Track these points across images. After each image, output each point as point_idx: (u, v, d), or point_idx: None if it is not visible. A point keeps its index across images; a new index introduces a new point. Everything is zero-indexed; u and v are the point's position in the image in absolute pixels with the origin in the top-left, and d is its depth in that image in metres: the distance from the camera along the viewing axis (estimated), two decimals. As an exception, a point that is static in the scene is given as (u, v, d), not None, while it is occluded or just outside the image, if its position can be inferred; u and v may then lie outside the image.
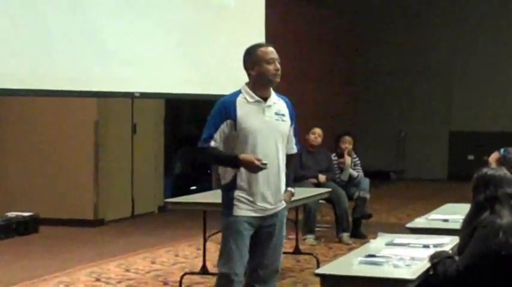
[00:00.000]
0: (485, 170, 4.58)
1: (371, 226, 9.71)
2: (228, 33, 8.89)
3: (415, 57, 17.51)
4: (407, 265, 4.26)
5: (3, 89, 6.30)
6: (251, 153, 4.76)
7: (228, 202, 4.86)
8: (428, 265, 4.35)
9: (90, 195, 10.64)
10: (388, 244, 4.86)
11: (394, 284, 4.10)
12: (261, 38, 8.76)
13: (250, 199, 4.83)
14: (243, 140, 4.80)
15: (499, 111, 16.98)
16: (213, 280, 7.15)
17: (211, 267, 7.38)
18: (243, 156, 4.74)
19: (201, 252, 7.53)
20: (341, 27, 16.91)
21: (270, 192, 4.87)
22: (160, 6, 7.88)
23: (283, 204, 5.00)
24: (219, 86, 8.50)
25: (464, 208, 4.70)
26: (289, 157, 5.02)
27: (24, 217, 9.96)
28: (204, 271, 7.22)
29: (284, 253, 5.17)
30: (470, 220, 4.46)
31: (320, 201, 9.20)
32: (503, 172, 4.55)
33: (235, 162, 4.76)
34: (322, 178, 9.47)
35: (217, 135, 4.80)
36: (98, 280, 7.38)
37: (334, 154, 9.87)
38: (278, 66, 4.89)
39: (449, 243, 4.84)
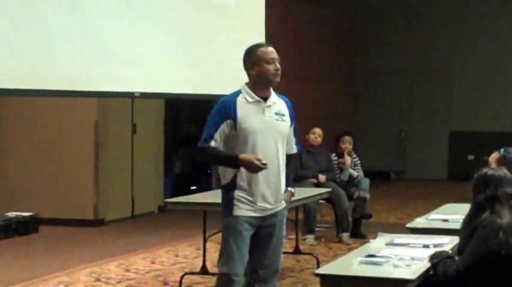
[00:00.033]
0: (485, 170, 4.58)
1: (371, 226, 9.71)
2: (228, 33, 8.89)
3: (415, 57, 17.52)
4: (407, 265, 4.26)
5: (3, 89, 6.30)
6: (251, 153, 4.76)
7: (228, 202, 4.86)
8: (428, 265, 4.35)
9: (90, 195, 10.64)
10: (388, 244, 4.86)
11: (394, 284, 4.10)
12: (261, 38, 8.76)
13: (250, 198, 4.83)
14: (243, 140, 4.80)
15: (499, 111, 16.98)
16: (213, 280, 7.15)
17: (211, 267, 7.38)
18: (243, 156, 4.73)
19: (201, 252, 7.52)
20: (341, 27, 16.91)
21: (270, 192, 4.87)
22: (160, 6, 7.88)
23: (283, 204, 5.00)
24: (219, 86, 8.49)
25: (464, 208, 4.70)
26: (289, 157, 5.02)
27: (24, 217, 9.96)
28: (204, 271, 7.22)
29: (284, 253, 5.17)
30: (470, 220, 4.46)
31: (320, 201, 9.20)
32: (503, 171, 4.55)
33: (235, 162, 4.76)
34: (322, 178, 9.47)
35: (217, 135, 4.80)
36: (98, 280, 7.38)
37: (334, 154, 9.87)
38: (278, 66, 4.89)
39: (449, 243, 4.84)
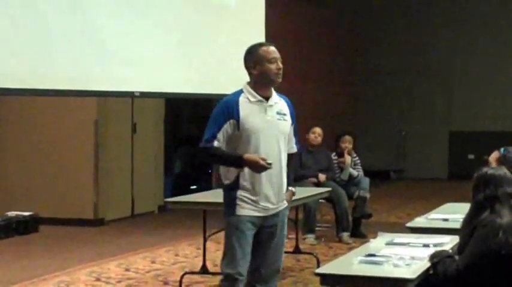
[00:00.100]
0: (485, 169, 4.58)
1: (371, 225, 9.71)
2: (228, 33, 8.89)
3: (415, 57, 17.52)
4: (407, 265, 4.26)
5: (3, 89, 6.30)
6: (254, 153, 4.76)
7: (231, 201, 4.86)
8: (428, 264, 4.35)
9: (90, 195, 10.64)
10: (388, 244, 4.87)
11: (394, 283, 4.10)
12: (261, 38, 8.75)
13: (253, 198, 4.83)
14: (245, 140, 4.80)
15: (499, 111, 16.98)
16: (213, 279, 7.18)
17: (211, 266, 7.39)
18: (247, 156, 4.73)
19: (201, 251, 7.52)
20: (341, 27, 16.91)
21: (272, 192, 4.87)
22: (160, 6, 7.88)
23: (285, 204, 5.00)
24: (219, 86, 8.50)
25: (464, 208, 4.70)
26: (289, 157, 5.02)
27: (24, 216, 9.96)
28: (204, 270, 7.22)
29: (284, 252, 5.17)
30: (470, 220, 4.46)
31: (320, 200, 9.21)
32: (503, 171, 4.55)
33: (239, 162, 4.75)
34: (322, 177, 9.47)
35: (220, 135, 4.79)
36: (98, 279, 7.38)
37: (334, 153, 9.88)
38: (280, 65, 4.89)
39: (449, 242, 4.84)
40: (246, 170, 4.77)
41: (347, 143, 9.85)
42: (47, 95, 7.72)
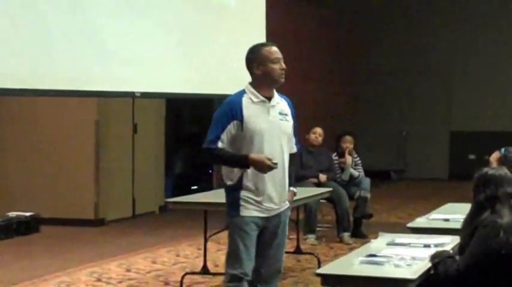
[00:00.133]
0: (485, 169, 4.58)
1: (372, 225, 9.71)
2: (228, 33, 8.88)
3: (415, 58, 17.52)
4: (408, 265, 4.26)
5: (3, 89, 6.29)
6: (258, 153, 4.75)
7: (234, 202, 4.84)
8: (429, 264, 4.34)
9: (91, 195, 10.64)
10: (389, 244, 4.86)
11: (395, 284, 4.10)
12: (261, 39, 8.74)
13: (257, 199, 4.82)
14: (249, 141, 4.79)
15: (499, 111, 16.98)
16: (214, 279, 7.18)
17: (212, 267, 7.39)
18: (252, 155, 4.72)
19: (201, 252, 7.52)
20: (341, 27, 16.91)
21: (275, 192, 4.87)
22: (160, 6, 7.87)
23: (287, 204, 5.00)
24: (219, 86, 8.49)
25: (465, 208, 4.70)
26: (289, 157, 5.02)
27: (25, 216, 9.96)
28: (205, 270, 7.22)
29: (285, 252, 5.16)
30: (471, 220, 4.46)
31: (321, 201, 9.20)
32: (504, 171, 4.55)
33: (244, 162, 4.74)
34: (323, 177, 9.47)
35: (224, 136, 4.78)
36: (98, 280, 7.38)
37: (335, 154, 9.87)
38: (283, 65, 4.89)
39: (450, 243, 4.83)
40: (250, 170, 4.76)
41: (348, 143, 9.85)
42: (47, 95, 7.72)
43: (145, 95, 8.03)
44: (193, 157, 13.27)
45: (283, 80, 4.90)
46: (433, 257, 4.38)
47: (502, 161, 5.68)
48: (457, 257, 4.38)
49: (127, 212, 11.30)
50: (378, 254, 4.45)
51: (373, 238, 5.28)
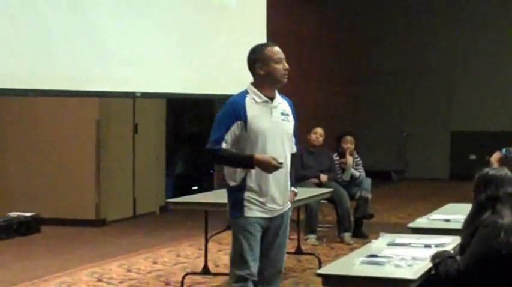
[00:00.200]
0: (486, 170, 4.58)
1: (372, 226, 9.70)
2: (228, 33, 8.88)
3: (416, 58, 17.52)
4: (409, 265, 4.26)
5: (3, 89, 6.29)
6: (261, 154, 4.75)
7: (238, 203, 4.83)
8: (430, 265, 4.34)
9: (92, 195, 10.64)
10: (389, 244, 4.86)
11: (396, 284, 4.10)
12: (262, 39, 8.74)
13: (261, 200, 4.81)
14: (253, 141, 4.78)
15: (499, 111, 16.98)
16: (215, 280, 7.18)
17: (212, 267, 7.39)
18: (258, 156, 4.71)
19: (202, 252, 7.52)
20: (341, 27, 16.91)
21: (278, 193, 4.86)
22: (160, 6, 7.87)
23: (289, 204, 5.00)
24: (219, 86, 8.50)
25: (466, 208, 4.70)
26: (290, 157, 5.02)
27: (25, 217, 9.96)
28: (205, 271, 7.21)
29: (286, 253, 5.16)
30: (471, 220, 4.46)
31: (322, 201, 9.20)
32: (505, 171, 4.55)
33: (249, 162, 4.73)
34: (323, 177, 9.46)
35: (228, 137, 4.77)
36: (99, 280, 7.38)
37: (335, 154, 9.87)
38: (286, 66, 4.88)
39: (451, 243, 4.83)
40: (253, 171, 4.76)
41: (348, 143, 9.84)
42: (47, 95, 7.72)
43: (145, 96, 8.03)
44: (194, 157, 13.27)
45: (285, 80, 4.89)
46: (434, 258, 4.37)
47: (502, 162, 5.67)
48: (458, 258, 4.37)
49: (128, 213, 11.30)
50: (378, 255, 4.45)
51: (373, 238, 5.28)
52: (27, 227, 9.84)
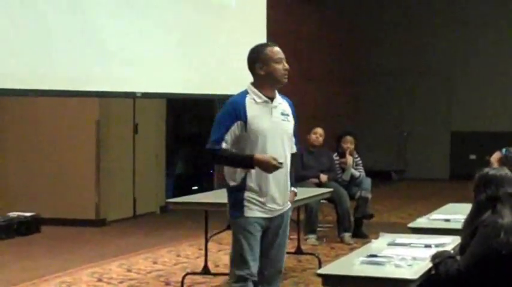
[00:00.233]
0: (486, 170, 4.58)
1: (372, 226, 9.70)
2: (228, 33, 8.88)
3: (416, 58, 17.52)
4: (409, 265, 4.26)
5: (3, 89, 6.29)
6: (261, 154, 4.75)
7: (238, 203, 4.83)
8: (430, 265, 4.34)
9: (92, 195, 10.64)
10: (389, 244, 4.86)
11: (396, 284, 4.10)
12: (262, 39, 8.74)
13: (261, 200, 4.81)
14: (253, 141, 4.78)
15: (499, 111, 16.98)
16: (215, 280, 7.18)
17: (213, 267, 7.38)
18: (258, 156, 4.71)
19: (202, 252, 7.53)
20: (342, 27, 16.91)
21: (278, 193, 4.86)
22: (160, 6, 7.87)
23: (289, 204, 5.00)
24: (219, 86, 8.49)
25: (466, 208, 4.69)
26: (290, 157, 5.01)
27: (25, 217, 9.96)
28: (205, 271, 7.21)
29: (286, 253, 5.16)
30: (471, 220, 4.45)
31: (322, 201, 9.20)
32: (505, 171, 4.55)
33: (249, 162, 4.73)
34: (323, 177, 9.46)
35: (228, 137, 4.77)
36: (99, 280, 7.38)
37: (335, 154, 9.86)
38: (287, 66, 4.88)
39: (451, 243, 4.83)
40: (254, 171, 4.75)
41: (349, 143, 9.84)
42: (47, 95, 7.72)
43: (145, 96, 8.03)
44: (194, 157, 13.27)
45: (286, 80, 4.89)
46: (434, 258, 4.37)
47: (502, 162, 5.67)
48: (458, 258, 4.37)
49: (128, 213, 11.30)
50: (378, 255, 4.45)
51: (374, 238, 5.27)
52: (27, 227, 9.84)
